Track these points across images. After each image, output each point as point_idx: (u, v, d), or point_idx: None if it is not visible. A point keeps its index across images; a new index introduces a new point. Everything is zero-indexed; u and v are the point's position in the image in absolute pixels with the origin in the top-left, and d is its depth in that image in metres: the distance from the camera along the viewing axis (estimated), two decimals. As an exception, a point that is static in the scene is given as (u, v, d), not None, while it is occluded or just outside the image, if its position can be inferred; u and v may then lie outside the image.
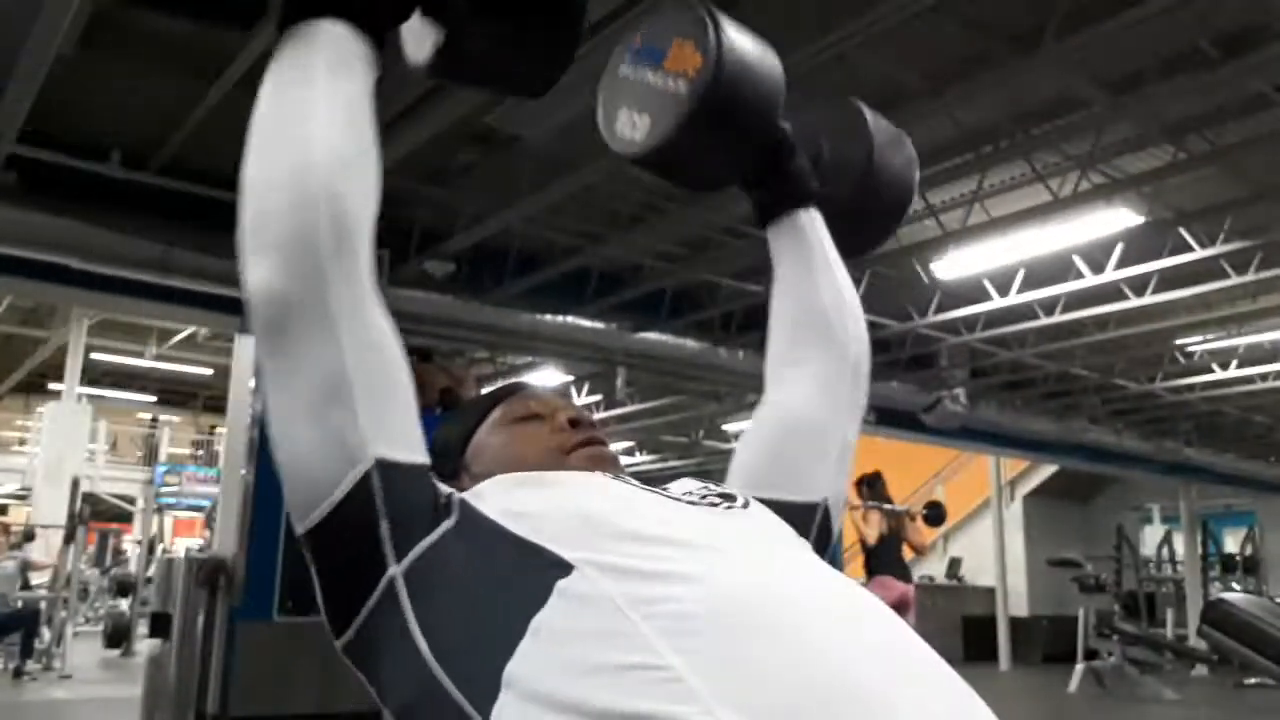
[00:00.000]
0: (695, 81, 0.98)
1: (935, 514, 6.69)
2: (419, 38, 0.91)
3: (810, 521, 0.99)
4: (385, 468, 0.74)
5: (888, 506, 6.17)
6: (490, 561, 0.74)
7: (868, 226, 1.21)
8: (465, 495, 0.81)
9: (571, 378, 8.46)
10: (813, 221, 1.11)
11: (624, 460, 1.05)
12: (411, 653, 0.71)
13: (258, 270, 0.75)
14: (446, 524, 0.76)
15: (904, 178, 1.19)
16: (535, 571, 0.71)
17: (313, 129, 0.78)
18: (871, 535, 6.04)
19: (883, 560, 5.99)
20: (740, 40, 1.00)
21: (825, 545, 1.00)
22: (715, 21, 0.99)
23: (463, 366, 4.66)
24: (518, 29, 0.90)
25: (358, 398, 0.74)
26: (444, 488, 0.81)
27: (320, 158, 0.76)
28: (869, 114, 1.18)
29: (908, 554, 6.23)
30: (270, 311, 0.75)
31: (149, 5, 3.52)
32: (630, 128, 1.04)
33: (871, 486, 6.23)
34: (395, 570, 0.74)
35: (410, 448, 0.77)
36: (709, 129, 1.00)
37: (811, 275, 1.09)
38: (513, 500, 0.79)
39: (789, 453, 1.02)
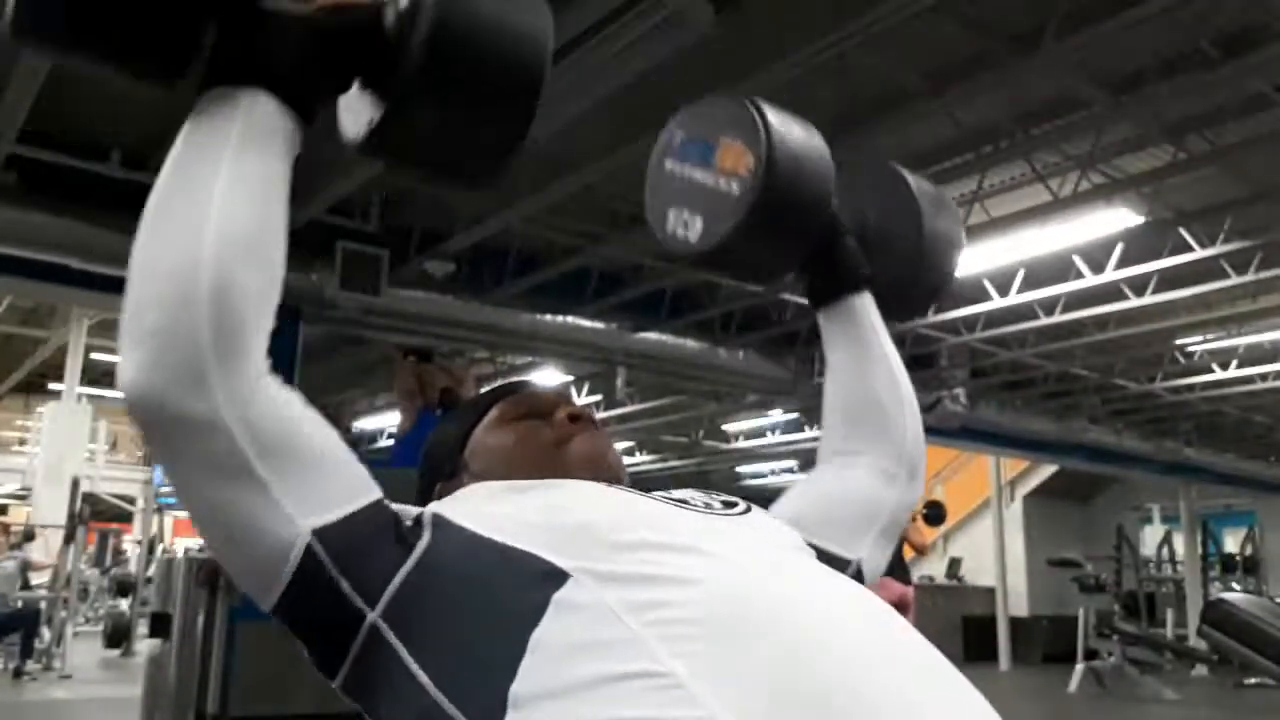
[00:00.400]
0: (749, 183, 0.96)
1: (935, 513, 6.69)
2: (355, 110, 0.83)
3: (840, 571, 0.97)
4: (324, 533, 0.71)
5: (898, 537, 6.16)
6: (480, 576, 0.72)
7: (916, 295, 1.19)
8: (440, 508, 0.78)
9: (571, 378, 8.46)
10: (865, 307, 1.09)
11: (624, 460, 1.04)
12: (411, 684, 0.70)
13: (129, 364, 0.69)
14: (420, 548, 0.74)
15: (952, 241, 1.17)
16: (530, 584, 0.70)
17: (208, 213, 0.71)
18: None
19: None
20: (789, 134, 0.99)
21: None
22: (764, 118, 0.98)
23: (463, 366, 4.67)
24: (467, 112, 0.81)
25: (272, 484, 0.70)
26: (409, 510, 0.78)
27: (209, 248, 0.70)
28: (912, 180, 1.16)
29: (908, 554, 6.22)
30: (145, 413, 0.69)
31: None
32: (683, 228, 1.03)
33: None
34: (373, 616, 0.71)
35: (346, 497, 0.74)
36: (765, 229, 0.99)
37: (867, 366, 1.07)
38: (502, 509, 0.78)
39: (835, 516, 1.02)
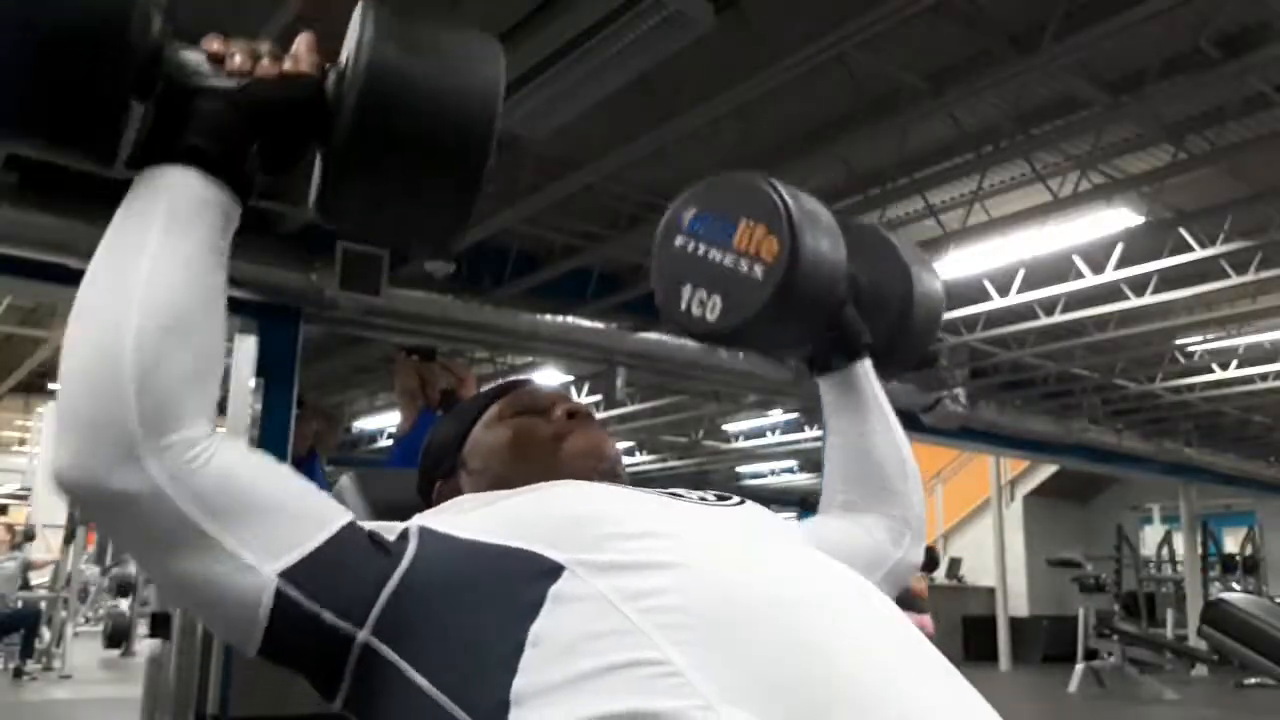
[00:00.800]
0: (774, 269, 0.98)
1: (927, 560, 6.66)
2: (317, 175, 0.82)
3: None
4: (292, 573, 0.70)
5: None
6: (473, 578, 0.72)
7: (908, 353, 1.22)
8: (424, 520, 0.78)
9: (571, 378, 8.46)
10: (867, 373, 1.13)
11: (624, 460, 1.04)
12: (413, 692, 0.70)
13: (60, 450, 0.69)
14: (406, 560, 0.73)
15: (939, 299, 1.21)
16: (525, 580, 0.70)
17: (132, 296, 0.70)
18: None
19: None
20: (810, 220, 1.00)
21: None
22: (786, 204, 0.99)
23: (464, 365, 4.67)
24: (406, 179, 0.78)
25: (228, 542, 0.69)
26: (392, 525, 0.78)
27: (132, 334, 0.69)
28: (899, 243, 1.20)
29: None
30: (82, 496, 0.69)
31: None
32: (699, 306, 1.03)
33: None
34: (363, 635, 0.71)
35: (308, 533, 0.72)
36: (789, 312, 1.00)
37: (870, 433, 1.11)
38: (488, 512, 0.78)
39: (844, 555, 1.04)
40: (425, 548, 0.75)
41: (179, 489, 0.69)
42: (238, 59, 0.77)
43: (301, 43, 0.80)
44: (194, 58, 0.78)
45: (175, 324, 0.71)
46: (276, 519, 0.72)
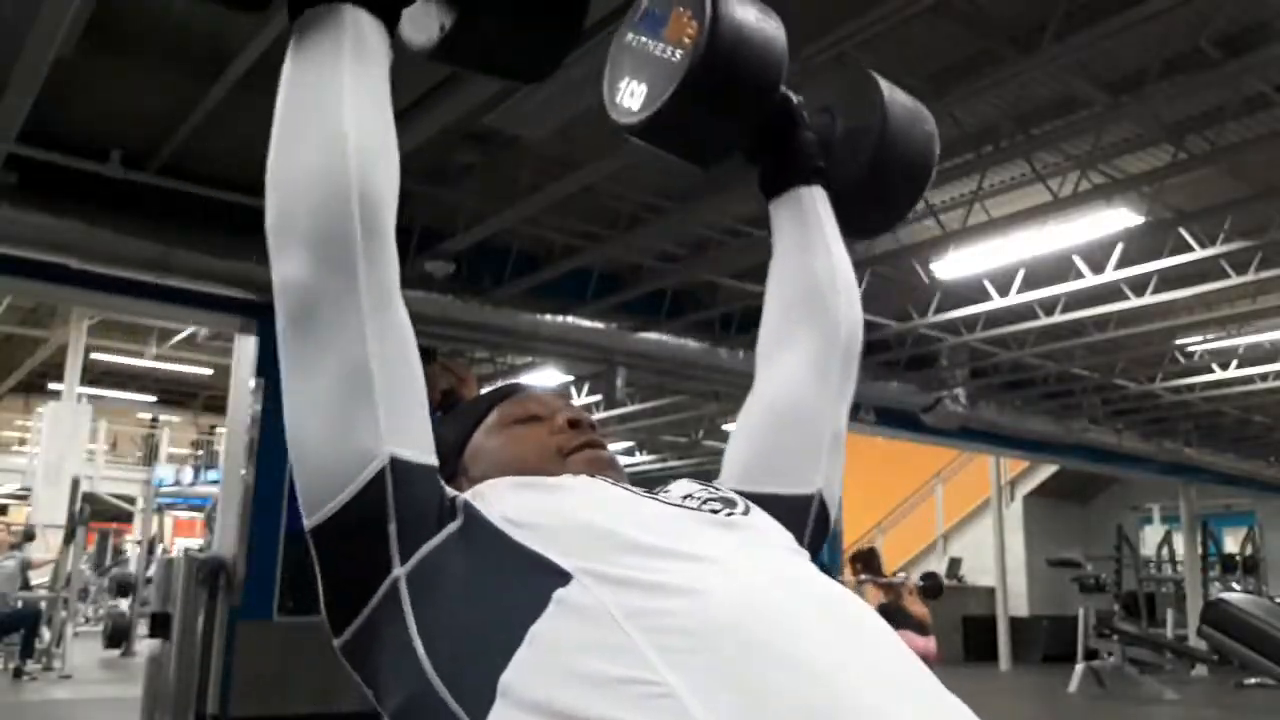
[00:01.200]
0: (689, 50, 0.97)
1: (932, 586, 6.61)
2: (418, 23, 0.90)
3: (806, 514, 0.98)
4: (399, 466, 0.74)
5: (883, 580, 6.18)
6: (491, 567, 0.73)
7: (883, 204, 1.17)
8: (468, 497, 0.80)
9: (571, 378, 8.46)
10: (814, 198, 1.08)
11: (624, 461, 1.03)
12: (409, 657, 0.71)
13: (289, 264, 0.75)
14: (451, 527, 0.76)
15: (921, 152, 1.15)
16: (534, 579, 0.70)
17: (345, 116, 0.77)
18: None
19: (893, 624, 5.89)
20: (738, 7, 0.99)
21: (823, 535, 0.99)
22: None
23: (465, 365, 4.68)
24: (526, 13, 0.90)
25: (378, 392, 0.74)
26: (450, 490, 0.81)
27: (353, 147, 0.76)
28: (885, 85, 1.13)
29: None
30: (300, 303, 0.75)
31: None
32: (629, 96, 1.03)
33: (866, 563, 6.28)
34: (400, 571, 0.73)
35: (423, 448, 0.77)
36: (703, 98, 0.99)
37: (808, 252, 1.06)
38: (515, 505, 0.78)
39: (781, 444, 1.01)
40: (467, 524, 0.77)
41: (374, 318, 0.75)
42: None
43: None
44: None
45: (380, 147, 0.78)
46: (415, 410, 0.77)
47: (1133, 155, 4.66)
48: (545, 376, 7.90)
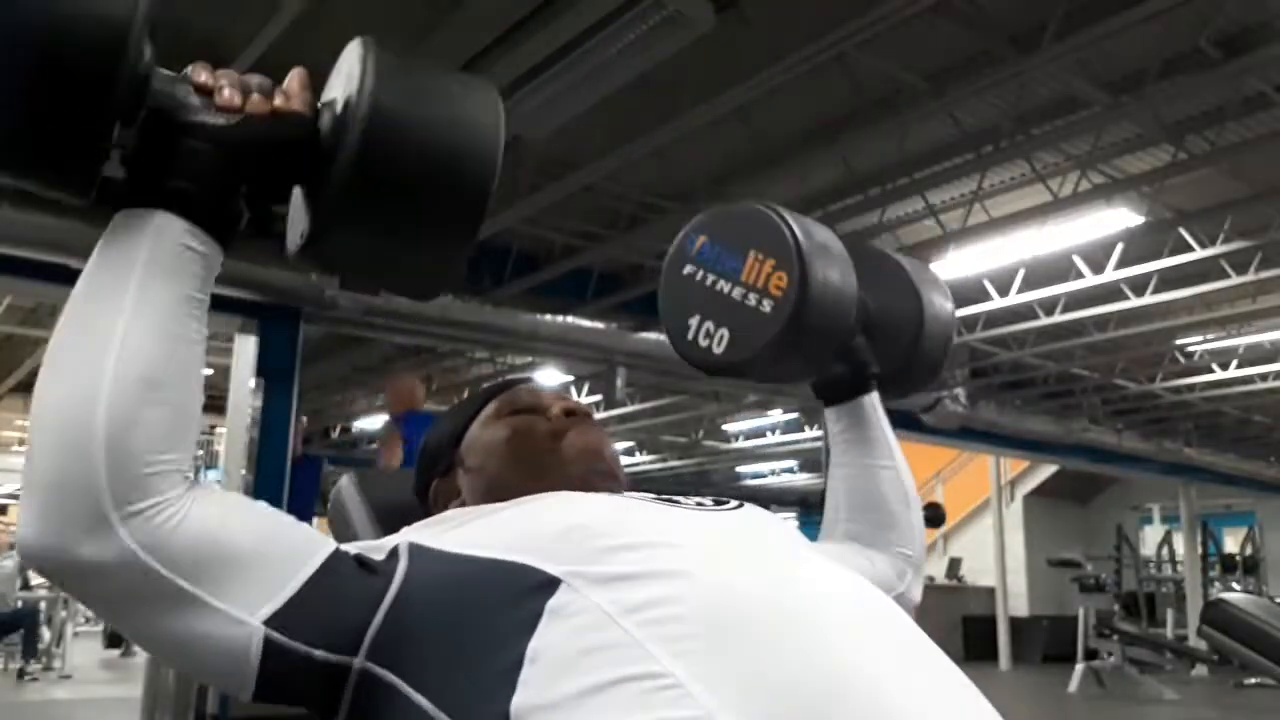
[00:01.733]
0: (782, 305, 0.97)
1: (933, 515, 6.68)
2: (295, 216, 0.79)
3: None
4: (278, 619, 0.69)
5: None
6: (469, 594, 0.71)
7: (918, 376, 1.22)
8: (414, 536, 0.77)
9: (571, 378, 8.46)
10: (874, 405, 1.13)
11: (624, 461, 1.03)
12: (414, 711, 0.69)
13: (26, 514, 0.66)
14: (396, 582, 0.72)
15: (950, 322, 1.20)
16: (522, 595, 0.69)
17: (108, 351, 0.68)
18: None
19: None
20: (820, 253, 0.99)
21: None
22: (796, 237, 0.98)
23: (421, 373, 4.72)
24: (402, 228, 0.76)
25: (202, 596, 0.67)
26: (381, 543, 0.76)
27: (105, 391, 0.66)
28: (909, 265, 1.19)
29: None
30: (49, 565, 0.67)
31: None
32: (706, 337, 1.03)
33: None
34: (359, 662, 0.70)
35: (290, 573, 0.70)
36: (797, 347, 1.00)
37: (875, 466, 1.11)
38: (480, 525, 0.77)
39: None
40: (416, 565, 0.73)
41: (152, 554, 0.66)
42: (227, 93, 0.72)
43: (295, 79, 0.76)
44: (181, 88, 0.73)
45: (150, 384, 0.68)
46: (256, 567, 0.69)
47: (1133, 155, 4.66)
48: (545, 376, 7.90)
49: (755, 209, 1.03)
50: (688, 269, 1.06)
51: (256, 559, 0.70)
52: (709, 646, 0.64)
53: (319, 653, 0.69)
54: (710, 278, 1.03)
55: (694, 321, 1.04)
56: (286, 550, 0.72)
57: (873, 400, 1.13)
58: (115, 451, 0.66)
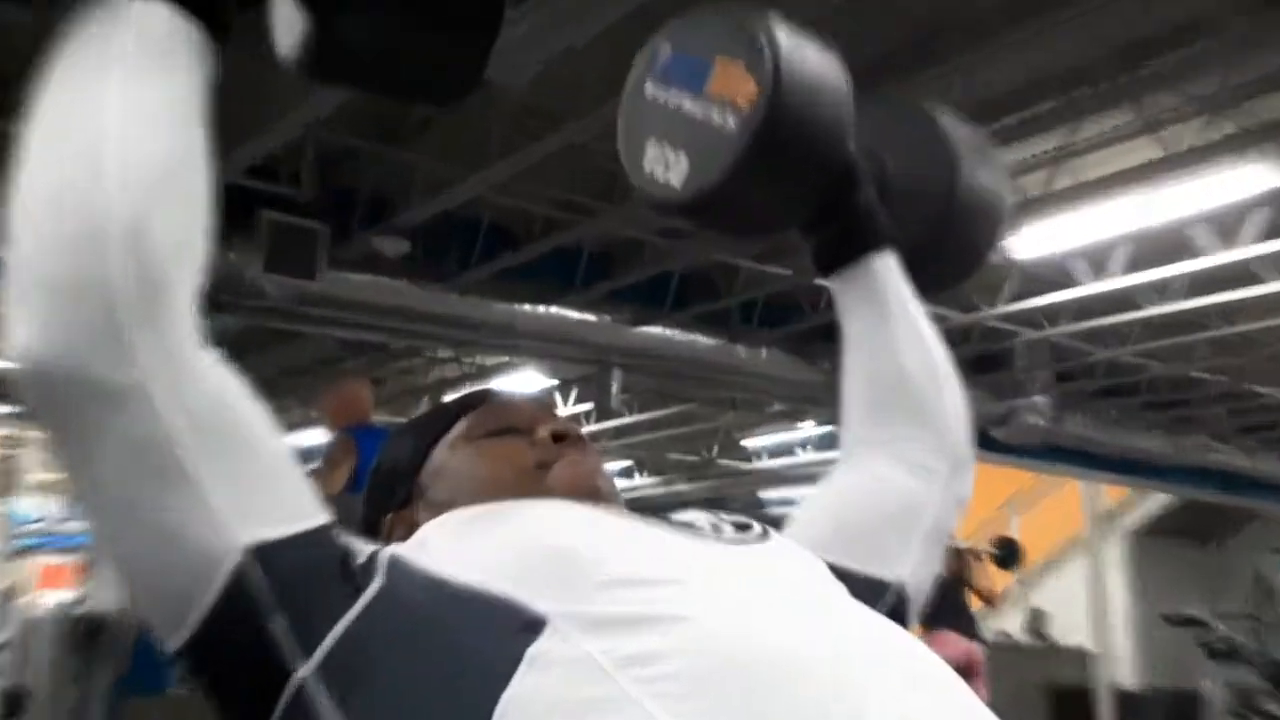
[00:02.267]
0: (749, 116, 0.96)
1: (1008, 553, 6.65)
2: (287, 19, 0.82)
3: (876, 601, 0.96)
4: (265, 550, 0.72)
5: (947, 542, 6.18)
6: (440, 629, 0.74)
7: (944, 267, 1.21)
8: (397, 549, 0.80)
9: (556, 382, 8.49)
10: (888, 268, 1.11)
11: (619, 484, 1.06)
12: None
13: (25, 325, 0.69)
14: (369, 592, 0.75)
15: (993, 202, 1.19)
16: (500, 635, 0.72)
17: (106, 139, 0.72)
18: None
19: (941, 610, 5.99)
20: (801, 56, 0.98)
21: None
22: (771, 36, 0.98)
23: (360, 386, 4.74)
24: (410, 21, 0.80)
25: (199, 475, 0.71)
26: (362, 546, 0.80)
27: (115, 180, 0.70)
28: (945, 121, 1.17)
29: (974, 604, 6.21)
30: (50, 384, 0.69)
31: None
32: (663, 168, 1.03)
33: None
34: (303, 672, 0.72)
35: (293, 513, 0.75)
36: (766, 173, 0.99)
37: (893, 338, 1.10)
38: (465, 542, 0.80)
39: (867, 526, 1.04)
40: (394, 583, 0.76)
41: (168, 389, 0.70)
42: None
43: None
44: None
45: (162, 174, 0.73)
46: (263, 475, 0.74)
47: (1275, 95, 4.60)
48: (523, 381, 7.92)
49: (727, 7, 1.03)
50: (650, 89, 1.06)
51: (269, 470, 0.75)
52: (713, 707, 0.66)
53: (280, 624, 0.72)
54: (673, 95, 1.03)
55: (651, 149, 1.04)
56: (298, 485, 0.76)
57: (886, 264, 1.11)
58: (135, 250, 0.69)
